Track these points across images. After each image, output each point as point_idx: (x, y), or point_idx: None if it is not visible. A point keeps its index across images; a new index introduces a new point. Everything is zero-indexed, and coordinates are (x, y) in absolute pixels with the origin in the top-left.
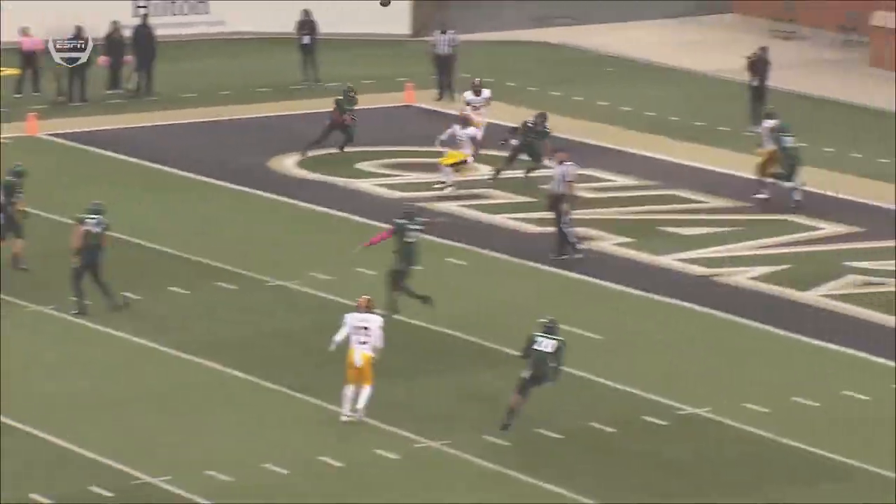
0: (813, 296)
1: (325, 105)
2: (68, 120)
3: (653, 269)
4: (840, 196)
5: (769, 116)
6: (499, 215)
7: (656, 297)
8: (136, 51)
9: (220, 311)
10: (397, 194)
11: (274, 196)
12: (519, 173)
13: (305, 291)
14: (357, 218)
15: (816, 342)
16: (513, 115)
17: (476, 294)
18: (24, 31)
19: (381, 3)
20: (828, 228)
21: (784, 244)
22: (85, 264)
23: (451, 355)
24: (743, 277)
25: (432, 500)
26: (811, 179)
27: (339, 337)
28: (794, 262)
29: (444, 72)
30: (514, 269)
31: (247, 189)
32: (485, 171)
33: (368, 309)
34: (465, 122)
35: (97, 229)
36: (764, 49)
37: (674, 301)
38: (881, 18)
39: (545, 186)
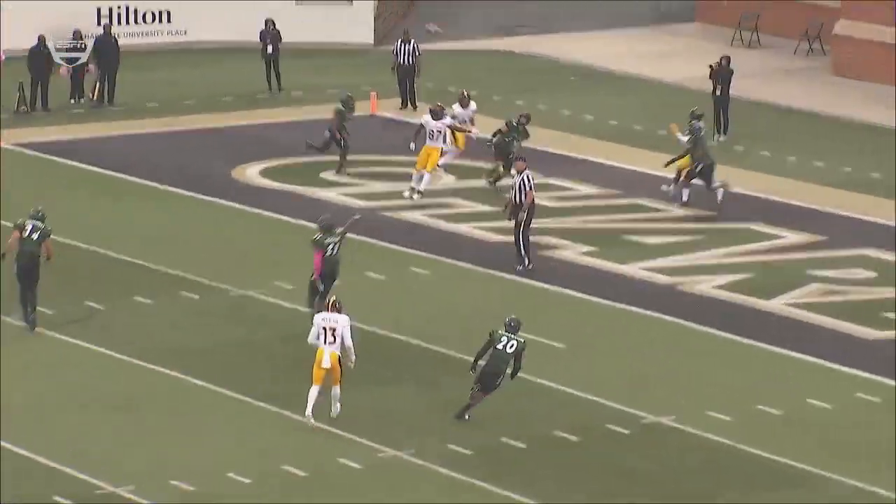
0: (776, 304)
1: (289, 114)
2: (31, 130)
3: (617, 278)
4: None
5: (696, 117)
6: (463, 224)
7: (620, 305)
8: (99, 60)
9: (183, 321)
10: (362, 203)
11: (237, 205)
12: (484, 182)
13: (269, 301)
14: None
15: (780, 350)
16: (481, 126)
17: (440, 303)
18: None
19: None
20: (791, 237)
21: (747, 253)
22: (22, 272)
23: (414, 364)
24: (707, 286)
25: None
26: (775, 188)
27: (312, 338)
28: (757, 271)
29: (407, 81)
30: (477, 278)
31: (210, 198)
32: (448, 180)
33: (336, 309)
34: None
35: (35, 235)
36: (727, 58)
37: (638, 309)
38: (844, 27)
39: (507, 195)
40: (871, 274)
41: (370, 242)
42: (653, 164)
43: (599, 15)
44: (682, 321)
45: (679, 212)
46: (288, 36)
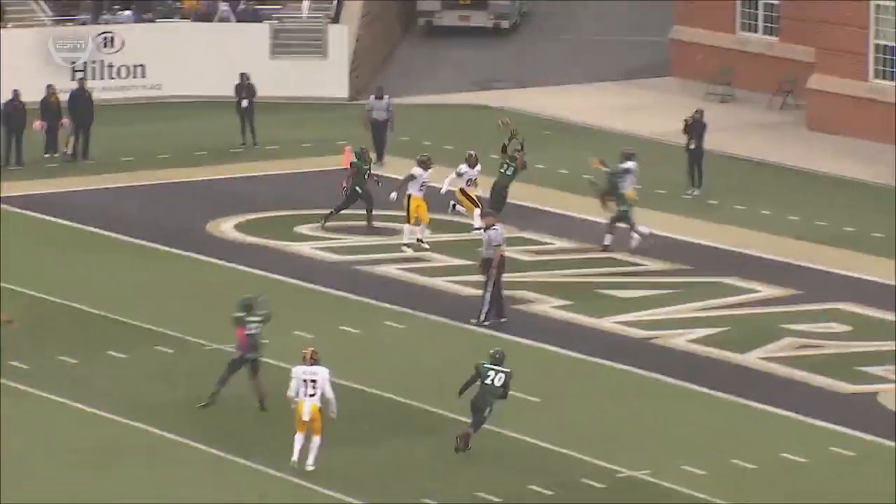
0: (751, 358)
1: (264, 168)
2: (5, 184)
3: (591, 332)
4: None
5: (629, 157)
6: (437, 278)
7: (594, 359)
8: (73, 114)
9: (157, 375)
10: (335, 257)
11: (212, 259)
12: (458, 236)
13: None
14: (295, 281)
15: (754, 404)
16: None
17: (414, 357)
18: None
19: None
20: (765, 291)
21: (722, 307)
22: None
23: (387, 419)
24: (681, 340)
25: None
26: (749, 242)
27: (292, 392)
28: (732, 325)
29: (380, 136)
30: (452, 332)
31: (185, 252)
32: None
33: (314, 361)
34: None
35: None
36: (700, 112)
37: (612, 363)
38: (817, 81)
39: (479, 249)
40: (846, 328)
41: (344, 296)
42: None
43: (574, 69)
44: (656, 375)
45: (654, 266)
46: (263, 90)
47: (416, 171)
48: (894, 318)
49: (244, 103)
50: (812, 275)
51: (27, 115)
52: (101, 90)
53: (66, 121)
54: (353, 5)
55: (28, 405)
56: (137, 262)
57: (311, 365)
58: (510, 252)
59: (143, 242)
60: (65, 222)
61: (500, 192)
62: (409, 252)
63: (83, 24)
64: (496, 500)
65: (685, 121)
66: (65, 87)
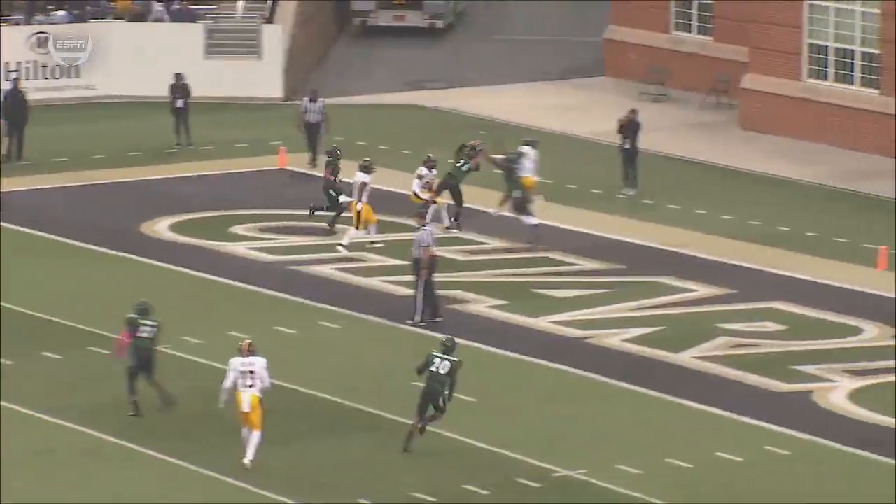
0: (685, 357)
1: (198, 168)
2: None
3: (526, 332)
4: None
5: (527, 143)
6: (372, 278)
7: (529, 359)
8: (7, 115)
9: (92, 376)
10: (270, 258)
11: (146, 260)
12: (394, 236)
13: (178, 355)
14: (230, 282)
15: (689, 403)
16: (391, 179)
17: (350, 357)
18: None
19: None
20: (700, 290)
21: (657, 306)
22: None
23: (324, 419)
24: (616, 339)
25: None
26: (683, 242)
27: (228, 383)
28: (666, 324)
29: (314, 139)
30: (387, 333)
31: (119, 253)
32: (353, 233)
33: (251, 352)
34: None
35: None
36: (634, 111)
37: (547, 363)
38: (751, 81)
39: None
40: (780, 327)
41: (279, 297)
42: (562, 217)
43: (509, 68)
44: (591, 374)
45: (588, 265)
46: (197, 90)
47: (360, 175)
48: (828, 318)
49: (178, 103)
50: (746, 274)
51: None
52: (35, 90)
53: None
54: (287, 5)
55: None
56: (71, 263)
57: (248, 356)
58: (446, 252)
59: (77, 243)
60: None
61: (455, 188)
62: (345, 252)
63: (16, 24)
64: (432, 499)
65: (619, 120)
66: None
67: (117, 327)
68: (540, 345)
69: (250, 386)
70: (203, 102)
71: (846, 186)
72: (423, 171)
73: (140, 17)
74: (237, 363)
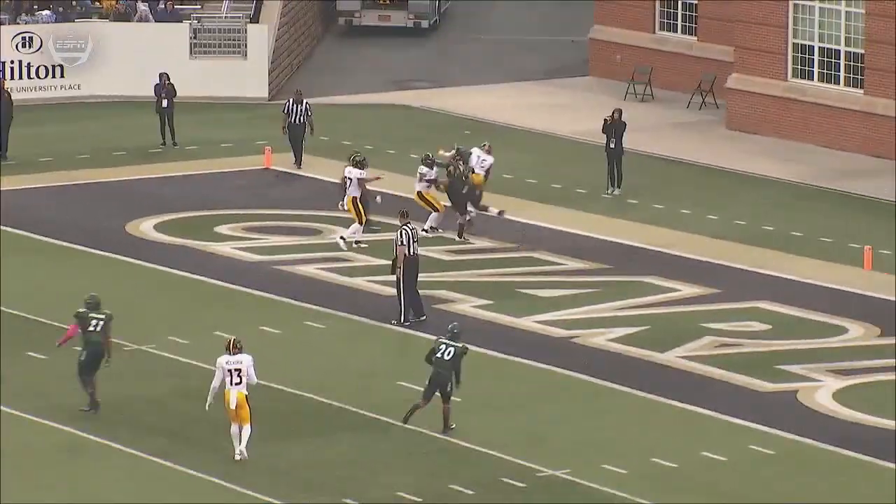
0: (670, 357)
1: (184, 168)
2: None
3: (511, 331)
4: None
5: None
6: (357, 278)
7: (515, 358)
8: None
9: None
10: (256, 257)
11: (132, 259)
12: (379, 236)
13: (163, 355)
14: (215, 281)
15: (674, 403)
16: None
17: (335, 357)
18: None
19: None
20: (685, 290)
21: (642, 306)
22: None
23: (309, 418)
24: (601, 339)
25: None
26: (669, 241)
27: (217, 382)
28: (652, 324)
29: (298, 140)
30: (373, 332)
31: (104, 252)
32: (341, 233)
33: (238, 350)
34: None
35: None
36: (619, 111)
37: (532, 363)
38: (737, 81)
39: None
40: (765, 326)
41: (265, 297)
42: (547, 217)
43: (494, 68)
44: (576, 374)
45: (573, 265)
46: (182, 90)
47: (355, 172)
48: (813, 317)
49: (164, 103)
50: (731, 273)
51: None
52: (20, 90)
53: None
54: (272, 5)
55: None
56: (56, 263)
57: (235, 354)
58: (431, 252)
59: (62, 243)
60: None
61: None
62: (342, 244)
63: (1, 23)
64: (417, 499)
65: (604, 120)
66: None
67: None
68: (525, 344)
69: (237, 383)
70: (188, 102)
71: (831, 186)
72: (424, 169)
73: (125, 16)
74: (223, 361)
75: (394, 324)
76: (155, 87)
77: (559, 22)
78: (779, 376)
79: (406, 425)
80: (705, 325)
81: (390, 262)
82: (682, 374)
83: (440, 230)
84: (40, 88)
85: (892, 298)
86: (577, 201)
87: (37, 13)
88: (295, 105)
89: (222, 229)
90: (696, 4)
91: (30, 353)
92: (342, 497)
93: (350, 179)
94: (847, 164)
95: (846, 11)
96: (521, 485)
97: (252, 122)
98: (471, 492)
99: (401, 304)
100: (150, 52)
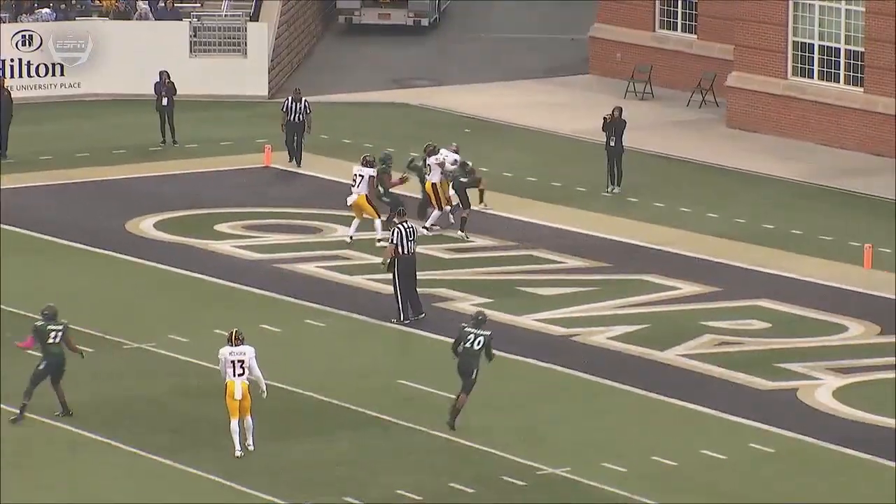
0: (671, 355)
1: (184, 166)
2: None
3: (511, 329)
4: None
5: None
6: (357, 276)
7: (515, 356)
8: None
9: (77, 374)
10: (256, 256)
11: (132, 258)
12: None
13: (163, 353)
14: (215, 280)
15: (674, 401)
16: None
17: (335, 355)
18: None
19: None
20: (685, 288)
21: (642, 304)
22: None
23: (309, 417)
24: (602, 337)
25: None
26: (669, 240)
27: (224, 375)
28: (652, 322)
29: (296, 137)
30: (372, 330)
31: (104, 251)
32: (341, 231)
33: (240, 341)
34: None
35: None
36: (619, 109)
37: (532, 361)
38: (737, 79)
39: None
40: (765, 324)
41: (265, 295)
42: (547, 215)
43: (494, 66)
44: (576, 372)
45: (573, 263)
46: (182, 88)
47: (365, 171)
48: (813, 315)
49: (164, 101)
50: (732, 272)
51: None
52: (20, 88)
53: None
54: (272, 4)
55: None
56: (56, 261)
57: (237, 345)
58: (431, 250)
59: (62, 241)
60: None
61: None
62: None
63: (1, 21)
64: (417, 497)
65: (604, 118)
66: None
67: (102, 325)
68: (525, 342)
69: (241, 374)
70: (188, 100)
71: (831, 184)
72: (432, 159)
73: (125, 15)
74: (226, 352)
75: (394, 322)
76: (155, 85)
77: (559, 20)
78: (779, 375)
79: (448, 428)
80: (705, 324)
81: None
82: (681, 373)
83: (438, 226)
84: (40, 87)
85: (892, 297)
86: (577, 199)
87: (36, 11)
88: (293, 103)
89: (222, 227)
90: (696, 3)
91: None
92: (342, 496)
93: (361, 177)
94: (847, 162)
95: (846, 9)
96: (521, 483)
97: (252, 120)
98: (471, 490)
99: (398, 303)
100: (149, 50)
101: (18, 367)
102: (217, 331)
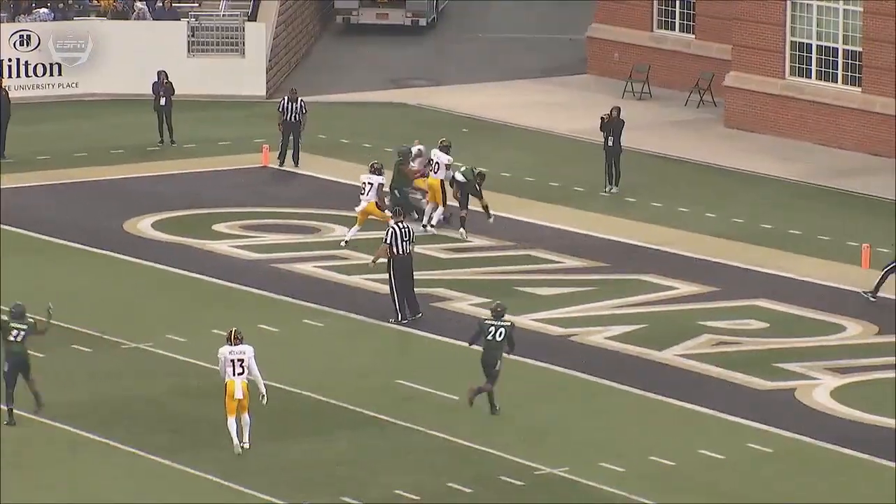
0: (669, 355)
1: (182, 166)
2: None
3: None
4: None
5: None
6: (355, 276)
7: (513, 357)
8: None
9: (75, 374)
10: (254, 255)
11: (130, 258)
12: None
13: (161, 353)
14: (213, 280)
15: (672, 401)
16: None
17: (333, 355)
18: None
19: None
20: (683, 288)
21: (640, 304)
22: None
23: (307, 417)
24: (599, 337)
25: None
26: (667, 240)
27: (224, 375)
28: (650, 322)
29: (293, 137)
30: (370, 330)
31: (102, 251)
32: (340, 231)
33: (239, 340)
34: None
35: None
36: (617, 109)
37: (531, 361)
38: (734, 79)
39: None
40: (763, 324)
41: (263, 295)
42: (545, 215)
43: (491, 66)
44: (575, 372)
45: (572, 263)
46: (180, 88)
47: (374, 178)
48: (811, 315)
49: (162, 101)
50: (730, 272)
51: None
52: (18, 88)
53: None
54: (269, 4)
55: None
56: (54, 261)
57: (236, 344)
58: (429, 250)
59: (60, 241)
60: None
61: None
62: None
63: None
64: (415, 497)
65: (602, 118)
66: None
67: (100, 326)
68: (523, 342)
69: (240, 373)
70: (186, 100)
71: (829, 184)
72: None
73: (123, 14)
74: (226, 352)
75: (392, 322)
76: (153, 85)
77: (557, 20)
78: (777, 374)
79: (468, 405)
80: (703, 324)
81: (385, 261)
82: (680, 373)
83: (436, 225)
84: (38, 87)
85: (891, 296)
86: (575, 199)
87: (34, 11)
88: (290, 103)
89: (220, 227)
90: (693, 3)
91: (29, 352)
92: (341, 495)
93: (370, 184)
94: (845, 162)
95: (844, 9)
96: (519, 483)
97: (250, 120)
98: (469, 490)
99: (394, 304)
100: (147, 50)
101: None
102: (215, 331)
